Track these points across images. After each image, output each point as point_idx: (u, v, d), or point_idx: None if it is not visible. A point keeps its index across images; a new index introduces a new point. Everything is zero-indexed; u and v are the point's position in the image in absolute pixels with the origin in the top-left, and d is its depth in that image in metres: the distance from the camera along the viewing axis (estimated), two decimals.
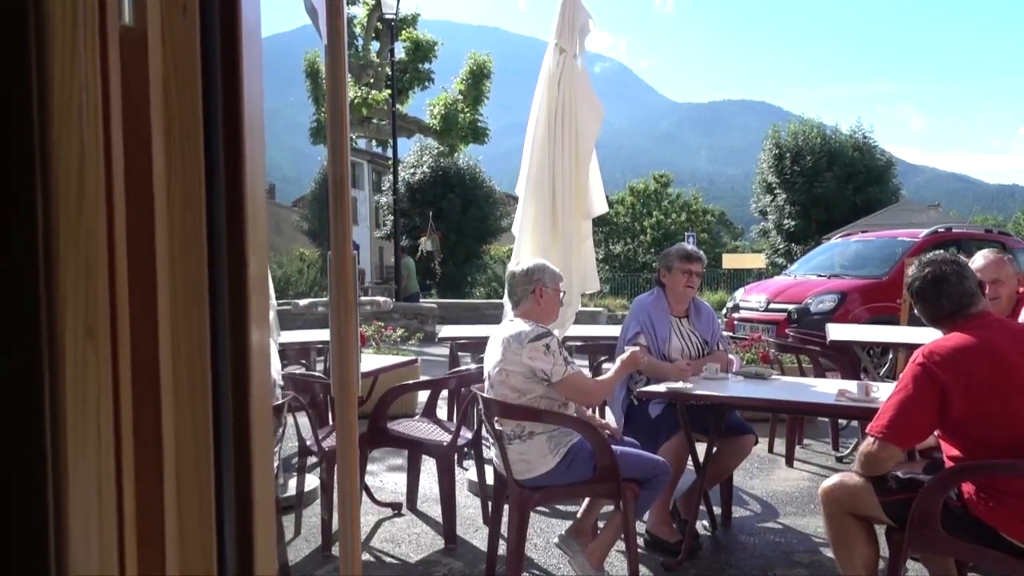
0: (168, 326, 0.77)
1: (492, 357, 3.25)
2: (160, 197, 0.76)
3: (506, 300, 3.55)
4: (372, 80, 18.57)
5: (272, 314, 4.51)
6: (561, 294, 3.44)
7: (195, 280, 0.79)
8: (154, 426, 0.75)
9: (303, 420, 3.97)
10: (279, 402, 3.24)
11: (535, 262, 3.42)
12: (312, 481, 4.38)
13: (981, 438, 2.41)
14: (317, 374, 4.51)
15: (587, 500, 3.39)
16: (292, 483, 4.19)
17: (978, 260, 3.71)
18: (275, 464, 3.71)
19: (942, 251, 2.76)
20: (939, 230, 11.29)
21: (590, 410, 3.76)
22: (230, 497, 0.81)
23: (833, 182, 28.72)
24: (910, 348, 5.18)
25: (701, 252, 4.09)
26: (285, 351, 5.00)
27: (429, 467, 4.58)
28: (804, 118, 32.52)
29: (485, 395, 3.25)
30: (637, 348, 3.49)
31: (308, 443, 3.84)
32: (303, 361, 5.27)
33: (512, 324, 3.25)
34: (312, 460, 4.13)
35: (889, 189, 29.99)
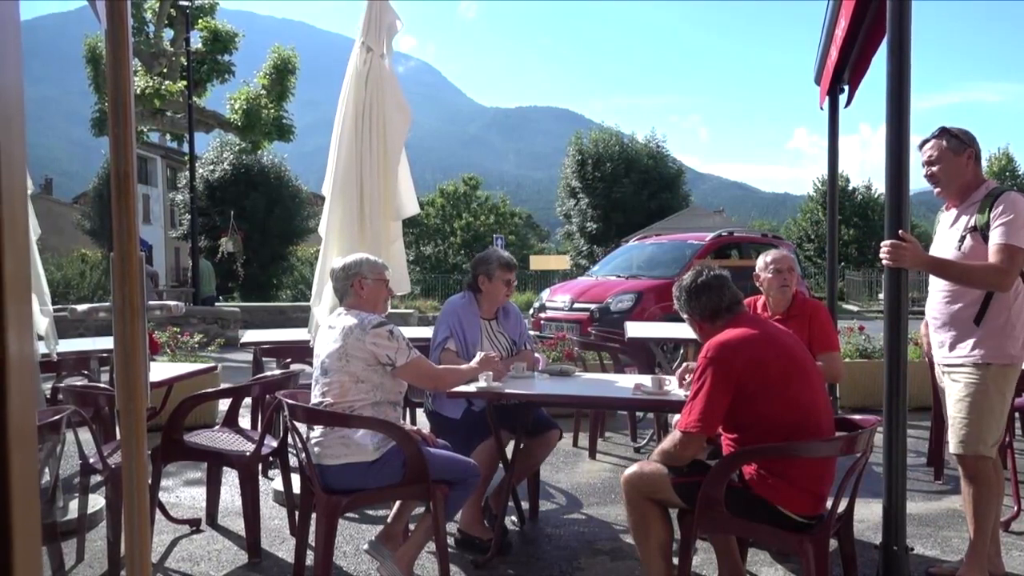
0: None
1: (327, 346, 3.21)
2: None
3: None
4: (165, 70, 17.38)
5: (47, 321, 4.11)
6: (386, 282, 3.45)
7: None
8: None
9: (86, 436, 3.65)
10: (54, 418, 2.95)
11: (353, 256, 3.43)
12: (97, 501, 4.03)
13: (761, 420, 2.63)
14: (101, 385, 4.16)
15: (397, 504, 3.37)
16: (74, 505, 3.84)
17: (774, 252, 4.08)
18: (49, 485, 3.38)
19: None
20: (722, 234, 12.29)
21: (406, 418, 3.75)
22: None
23: (630, 188, 30.46)
24: (699, 344, 5.59)
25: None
26: (62, 362, 4.58)
27: (231, 479, 4.36)
28: (604, 126, 34.20)
29: (291, 401, 3.14)
30: (494, 354, 3.52)
31: (92, 460, 3.53)
32: (85, 372, 4.84)
33: (347, 315, 3.24)
34: (97, 479, 3.81)
35: (680, 195, 32.27)
